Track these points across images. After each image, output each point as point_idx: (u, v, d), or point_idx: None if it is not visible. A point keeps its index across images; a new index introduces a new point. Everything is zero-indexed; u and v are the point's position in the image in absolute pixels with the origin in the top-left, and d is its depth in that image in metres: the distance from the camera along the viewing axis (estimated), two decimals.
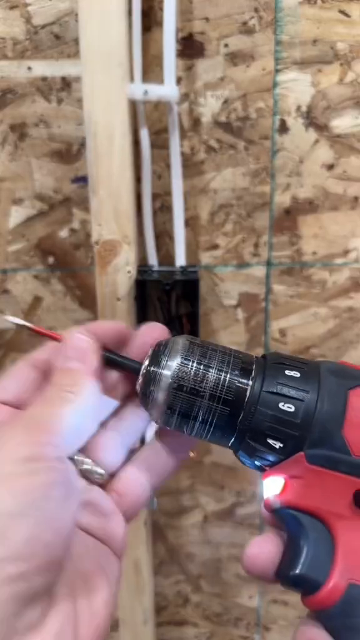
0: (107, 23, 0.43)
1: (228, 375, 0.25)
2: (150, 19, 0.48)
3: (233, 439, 0.26)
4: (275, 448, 0.25)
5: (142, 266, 0.52)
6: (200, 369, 0.25)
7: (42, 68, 0.49)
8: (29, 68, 0.49)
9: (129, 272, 0.49)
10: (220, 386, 0.25)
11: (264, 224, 0.54)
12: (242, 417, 0.25)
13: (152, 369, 0.26)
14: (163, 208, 0.53)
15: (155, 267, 0.52)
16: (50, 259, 0.55)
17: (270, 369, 0.26)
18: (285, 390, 0.25)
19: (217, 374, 0.25)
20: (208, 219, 0.54)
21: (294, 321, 0.58)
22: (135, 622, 0.62)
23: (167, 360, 0.25)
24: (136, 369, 0.26)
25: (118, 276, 0.49)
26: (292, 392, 0.25)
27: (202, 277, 0.55)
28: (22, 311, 0.57)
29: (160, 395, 0.25)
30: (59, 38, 0.48)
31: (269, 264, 0.55)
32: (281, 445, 0.25)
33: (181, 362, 0.25)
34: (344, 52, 0.49)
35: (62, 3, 0.47)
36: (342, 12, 0.48)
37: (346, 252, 0.55)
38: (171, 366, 0.25)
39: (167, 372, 0.25)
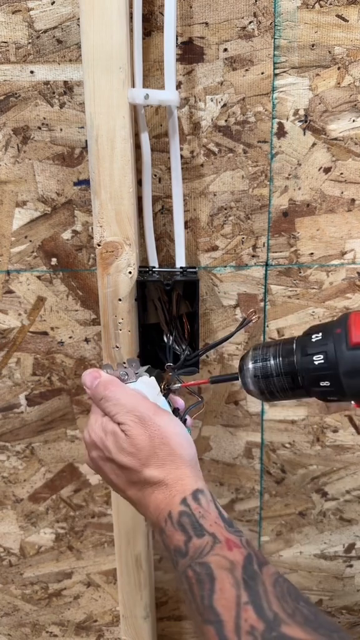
0: (108, 28, 0.44)
1: (279, 359, 0.40)
2: (151, 24, 0.48)
3: (305, 392, 0.40)
4: (328, 388, 0.38)
5: (143, 267, 0.52)
6: (264, 363, 0.41)
7: (44, 72, 0.50)
8: (32, 72, 0.50)
9: (130, 273, 0.50)
10: (278, 367, 0.40)
11: (263, 225, 0.55)
12: (300, 379, 0.40)
13: (241, 372, 0.42)
14: (163, 210, 0.54)
15: (156, 268, 0.53)
16: (53, 260, 0.56)
17: (303, 341, 0.40)
18: (312, 350, 0.38)
19: (274, 360, 0.40)
20: (207, 221, 0.55)
21: (291, 321, 0.58)
22: (136, 617, 0.63)
23: (246, 365, 0.42)
24: (235, 377, 0.43)
25: (119, 277, 0.50)
26: (317, 349, 0.38)
27: (202, 277, 0.56)
28: (25, 311, 0.58)
29: (251, 386, 0.42)
30: (61, 42, 0.49)
31: (267, 265, 0.56)
32: (328, 383, 0.38)
33: (253, 364, 0.42)
34: (341, 56, 0.50)
35: (64, 8, 0.48)
36: (339, 16, 0.49)
37: (343, 254, 0.56)
38: (249, 368, 0.42)
39: (248, 372, 0.42)
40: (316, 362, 0.38)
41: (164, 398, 0.45)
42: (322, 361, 0.38)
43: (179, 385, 0.46)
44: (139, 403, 0.41)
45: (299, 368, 0.39)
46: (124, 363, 0.47)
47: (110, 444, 0.41)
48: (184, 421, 0.45)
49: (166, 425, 0.41)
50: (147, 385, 0.44)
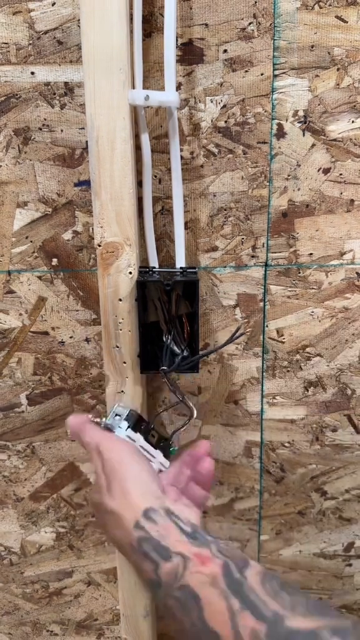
0: (108, 29, 0.44)
1: None
2: (151, 25, 0.49)
3: None
4: None
5: (143, 267, 0.53)
6: None
7: (45, 73, 0.50)
8: (32, 73, 0.50)
9: (130, 273, 0.50)
10: None
11: (262, 226, 0.55)
12: None
13: None
14: (163, 211, 0.54)
15: (156, 269, 0.53)
16: (54, 261, 0.56)
17: None
18: None
19: None
20: (207, 221, 0.55)
21: (291, 321, 0.59)
22: (136, 616, 0.63)
23: None
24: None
25: (120, 277, 0.50)
26: None
27: (202, 278, 0.56)
28: (26, 311, 0.58)
29: None
30: (62, 43, 0.49)
31: (266, 265, 0.57)
32: None
33: None
34: (340, 57, 0.50)
35: (64, 9, 0.48)
36: (339, 17, 0.49)
37: (342, 254, 0.56)
38: None
39: None
40: None
41: (149, 446, 0.46)
42: None
43: (176, 448, 0.48)
44: (100, 439, 0.42)
45: None
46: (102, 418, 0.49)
47: (95, 494, 0.41)
48: (171, 443, 0.47)
49: (117, 451, 0.40)
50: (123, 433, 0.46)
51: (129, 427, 0.46)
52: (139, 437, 0.46)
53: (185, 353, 0.51)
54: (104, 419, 0.47)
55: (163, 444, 0.51)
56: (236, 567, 0.32)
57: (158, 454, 0.46)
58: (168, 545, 0.34)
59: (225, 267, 0.57)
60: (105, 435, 0.42)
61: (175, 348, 0.52)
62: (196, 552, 0.33)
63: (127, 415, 0.48)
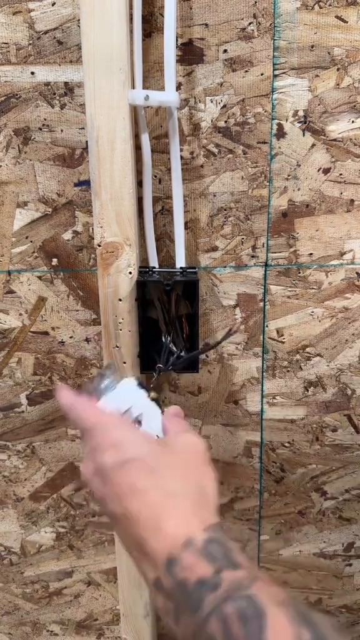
0: (108, 29, 0.44)
1: None
2: (151, 25, 0.49)
3: None
4: None
5: (143, 267, 0.53)
6: None
7: (45, 73, 0.50)
8: (32, 73, 0.50)
9: (130, 273, 0.50)
10: None
11: (262, 226, 0.55)
12: None
13: None
14: (163, 211, 0.54)
15: (156, 269, 0.53)
16: (54, 261, 0.56)
17: None
18: None
19: None
20: (207, 221, 0.55)
21: (291, 321, 0.59)
22: (136, 616, 0.63)
23: None
24: None
25: (120, 277, 0.50)
26: None
27: (202, 278, 0.56)
28: (26, 311, 0.58)
29: None
30: (62, 44, 0.49)
31: (266, 265, 0.57)
32: None
33: None
34: (340, 57, 0.50)
35: (64, 9, 0.48)
36: (339, 17, 0.49)
37: (342, 254, 0.56)
38: None
39: None
40: None
41: (152, 402, 0.43)
42: None
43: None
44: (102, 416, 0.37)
45: None
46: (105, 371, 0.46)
47: (98, 458, 0.35)
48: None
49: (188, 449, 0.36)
50: (127, 389, 0.43)
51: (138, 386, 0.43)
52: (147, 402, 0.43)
53: (183, 353, 0.51)
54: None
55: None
56: (302, 604, 0.28)
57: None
58: (238, 559, 0.29)
59: (225, 267, 0.57)
60: (130, 430, 0.37)
61: (175, 348, 0.52)
62: (264, 577, 0.29)
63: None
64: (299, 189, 0.54)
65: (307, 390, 0.61)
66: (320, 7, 0.49)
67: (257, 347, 0.59)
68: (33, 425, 0.63)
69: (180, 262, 0.53)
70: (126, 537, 0.33)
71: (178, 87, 0.50)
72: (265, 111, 0.51)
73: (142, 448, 0.34)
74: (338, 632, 0.26)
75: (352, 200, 0.55)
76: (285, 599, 0.27)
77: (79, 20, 0.47)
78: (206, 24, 0.49)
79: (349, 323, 0.59)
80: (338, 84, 0.51)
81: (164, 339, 0.52)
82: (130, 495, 0.32)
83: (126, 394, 0.43)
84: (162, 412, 0.43)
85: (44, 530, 0.67)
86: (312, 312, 0.58)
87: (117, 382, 0.44)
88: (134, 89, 0.47)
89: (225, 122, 0.52)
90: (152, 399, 0.44)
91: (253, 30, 0.49)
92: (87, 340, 0.59)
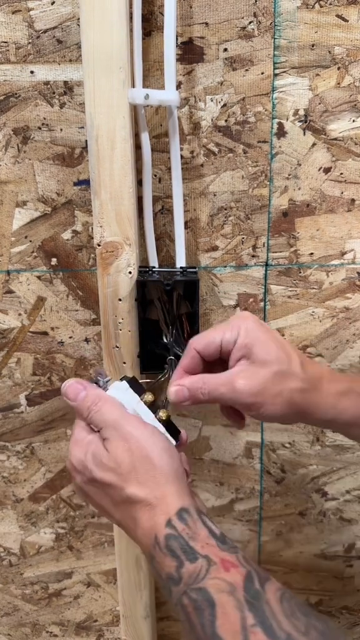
0: (108, 28, 0.44)
1: None
2: (151, 24, 0.48)
3: None
4: None
5: (143, 267, 0.53)
6: None
7: (44, 72, 0.50)
8: (32, 72, 0.50)
9: (130, 273, 0.50)
10: None
11: (262, 226, 0.55)
12: None
13: None
14: (163, 210, 0.54)
15: (156, 268, 0.53)
16: (53, 260, 0.56)
17: None
18: None
19: None
20: (207, 221, 0.55)
21: (291, 321, 0.58)
22: (136, 617, 0.63)
23: None
24: None
25: (119, 277, 0.50)
26: None
27: (202, 277, 0.56)
28: (25, 311, 0.58)
29: None
30: (61, 42, 0.49)
31: (267, 265, 0.56)
32: None
33: None
34: (341, 56, 0.50)
35: (64, 8, 0.48)
36: (339, 16, 0.49)
37: (343, 254, 0.56)
38: None
39: None
40: None
41: (146, 407, 0.43)
42: None
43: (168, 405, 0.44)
44: (122, 416, 0.39)
45: None
46: (93, 374, 0.45)
47: (90, 464, 0.39)
48: (177, 432, 0.43)
49: (147, 439, 0.38)
50: (120, 391, 0.43)
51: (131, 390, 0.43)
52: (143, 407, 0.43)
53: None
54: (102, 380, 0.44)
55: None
56: (258, 579, 0.32)
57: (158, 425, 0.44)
58: (195, 547, 0.34)
59: (225, 266, 0.56)
60: (124, 413, 0.40)
61: (176, 348, 0.51)
62: (223, 556, 0.33)
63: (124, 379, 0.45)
64: (299, 189, 0.54)
65: None
66: (321, 6, 0.48)
67: None
68: (32, 426, 0.62)
69: (181, 261, 0.53)
70: (128, 535, 0.39)
71: (178, 86, 0.50)
72: (265, 110, 0.51)
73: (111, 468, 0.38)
74: (286, 615, 0.29)
75: (353, 200, 0.54)
76: (237, 583, 0.31)
77: (78, 19, 0.47)
78: (206, 23, 0.49)
79: (350, 323, 0.59)
80: (339, 83, 0.51)
81: (164, 339, 0.52)
82: (111, 508, 0.39)
83: (117, 397, 0.42)
84: (157, 413, 0.43)
85: (43, 531, 0.67)
86: (313, 312, 0.58)
87: (108, 384, 0.43)
88: (133, 87, 0.47)
89: (226, 121, 0.51)
90: (147, 402, 0.43)
91: (253, 29, 0.49)
92: (87, 340, 0.59)
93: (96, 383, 0.43)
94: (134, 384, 0.43)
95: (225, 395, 0.40)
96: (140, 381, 0.45)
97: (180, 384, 0.41)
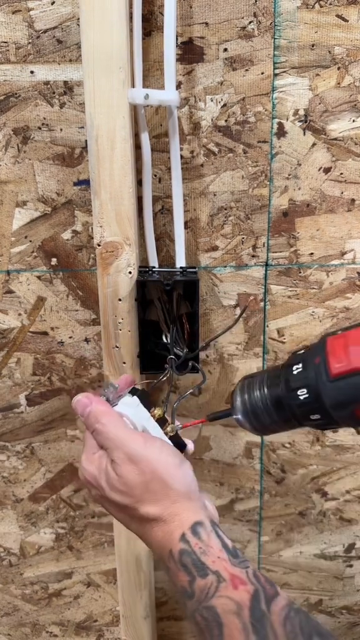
0: (108, 28, 0.44)
1: (267, 395, 0.39)
2: (151, 24, 0.48)
3: (297, 423, 0.38)
4: (320, 420, 0.36)
5: (143, 267, 0.52)
6: (252, 400, 0.39)
7: (44, 72, 0.50)
8: (32, 72, 0.50)
9: (130, 273, 0.50)
10: (266, 403, 0.38)
11: (262, 226, 0.55)
12: (290, 414, 0.37)
13: (233, 409, 0.41)
14: (163, 210, 0.54)
15: (156, 268, 0.53)
16: (53, 260, 0.56)
17: (286, 373, 0.38)
18: (295, 384, 0.37)
19: (262, 397, 0.39)
20: (207, 221, 0.55)
21: (291, 321, 0.58)
22: (136, 617, 0.63)
23: (235, 402, 0.40)
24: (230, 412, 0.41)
25: (119, 277, 0.50)
26: (299, 383, 0.36)
27: (202, 277, 0.56)
28: (25, 311, 0.58)
29: (245, 424, 0.40)
30: (61, 42, 0.49)
31: (267, 265, 0.56)
32: (319, 416, 0.36)
33: (240, 398, 0.40)
34: (341, 56, 0.50)
35: (64, 8, 0.48)
36: (339, 16, 0.49)
37: (343, 254, 0.56)
38: (238, 406, 0.40)
39: (238, 409, 0.40)
40: (301, 397, 0.36)
41: (154, 422, 0.43)
42: (307, 395, 0.36)
43: (180, 425, 0.44)
44: (128, 437, 0.39)
45: (286, 403, 0.37)
46: (104, 389, 0.45)
47: (103, 482, 0.39)
48: (184, 446, 0.43)
49: (157, 458, 0.39)
50: (130, 406, 0.43)
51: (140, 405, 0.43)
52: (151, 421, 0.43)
53: (185, 351, 0.51)
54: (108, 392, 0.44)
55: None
56: (264, 598, 0.33)
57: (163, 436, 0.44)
58: (207, 562, 0.35)
59: (225, 266, 0.56)
60: (128, 431, 0.40)
61: (176, 348, 0.51)
62: (233, 572, 0.34)
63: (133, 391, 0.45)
64: (299, 189, 0.54)
65: None
66: (321, 6, 0.48)
67: (257, 348, 0.59)
68: (32, 426, 0.62)
69: (180, 261, 0.53)
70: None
71: (178, 86, 0.50)
72: (265, 110, 0.51)
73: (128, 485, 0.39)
74: (289, 635, 0.30)
75: (353, 200, 0.54)
76: (243, 604, 0.32)
77: (78, 19, 0.47)
78: (206, 23, 0.49)
79: (350, 323, 0.59)
80: (339, 83, 0.51)
81: (164, 339, 0.52)
82: (129, 522, 0.40)
83: (127, 412, 0.42)
84: (164, 428, 0.43)
85: (43, 531, 0.67)
86: (313, 312, 0.58)
87: (118, 399, 0.43)
88: (133, 87, 0.47)
89: (226, 121, 0.51)
90: (157, 417, 0.43)
91: (253, 29, 0.49)
92: (87, 340, 0.59)
93: (106, 397, 0.43)
94: (144, 399, 0.43)
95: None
96: (140, 382, 0.45)
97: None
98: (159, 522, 0.38)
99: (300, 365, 0.37)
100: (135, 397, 0.43)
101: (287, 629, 0.31)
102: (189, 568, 0.35)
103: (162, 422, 0.43)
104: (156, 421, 0.43)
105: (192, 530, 0.36)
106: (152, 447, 0.39)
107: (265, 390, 0.38)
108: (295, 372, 0.37)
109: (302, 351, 0.38)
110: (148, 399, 0.44)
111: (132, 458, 0.38)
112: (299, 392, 0.36)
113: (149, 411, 0.43)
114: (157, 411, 0.43)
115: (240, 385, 0.40)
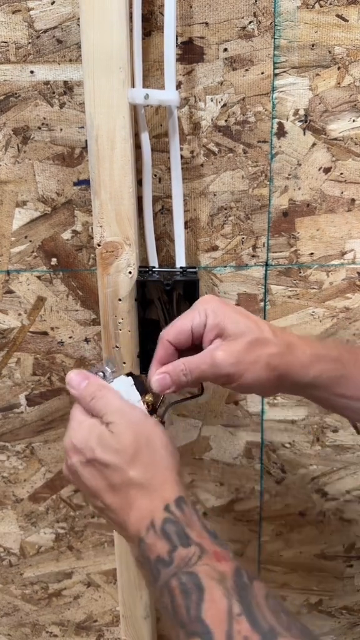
0: (108, 28, 0.44)
1: None
2: (151, 24, 0.48)
3: None
4: None
5: (143, 267, 0.52)
6: None
7: (44, 72, 0.50)
8: (32, 72, 0.50)
9: (130, 273, 0.50)
10: None
11: (263, 225, 0.55)
12: None
13: None
14: (163, 210, 0.54)
15: (156, 268, 0.53)
16: (53, 260, 0.56)
17: None
18: None
19: None
20: (207, 221, 0.55)
21: (291, 321, 0.58)
22: (136, 617, 0.63)
23: None
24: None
25: (119, 277, 0.50)
26: None
27: (202, 277, 0.56)
28: (25, 311, 0.58)
29: None
30: (61, 42, 0.49)
31: (267, 265, 0.56)
32: None
33: None
34: (341, 56, 0.50)
35: (64, 8, 0.48)
36: (339, 16, 0.49)
37: (343, 254, 0.56)
38: None
39: None
40: None
41: (144, 406, 0.43)
42: None
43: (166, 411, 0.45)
44: (128, 405, 0.41)
45: None
46: (103, 363, 0.46)
47: (94, 443, 0.39)
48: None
49: (152, 429, 0.40)
50: (124, 385, 0.43)
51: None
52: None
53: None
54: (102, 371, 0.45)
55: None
56: (246, 575, 0.32)
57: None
58: (190, 534, 0.35)
59: (225, 266, 0.56)
60: (128, 402, 0.41)
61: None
62: (215, 549, 0.34)
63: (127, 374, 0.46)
64: (299, 188, 0.54)
65: None
66: (321, 6, 0.48)
67: None
68: (32, 426, 0.62)
69: (180, 261, 0.53)
70: (112, 522, 0.40)
71: (178, 86, 0.50)
72: (265, 110, 0.51)
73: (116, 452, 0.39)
74: (271, 610, 0.30)
75: (353, 200, 0.54)
76: (227, 574, 0.32)
77: (78, 18, 0.47)
78: (206, 23, 0.49)
79: (350, 323, 0.59)
80: (339, 83, 0.51)
81: None
82: (106, 491, 0.38)
83: (121, 389, 0.43)
84: (154, 413, 0.43)
85: (43, 531, 0.67)
86: (313, 312, 0.58)
87: (114, 376, 0.44)
88: (133, 87, 0.47)
89: (226, 121, 0.51)
90: (147, 402, 0.43)
91: (253, 29, 0.49)
92: (87, 340, 0.59)
93: (102, 374, 0.44)
94: (138, 381, 0.44)
95: (207, 372, 0.41)
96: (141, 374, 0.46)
97: (161, 371, 0.42)
98: (143, 489, 0.37)
99: None
100: (129, 377, 0.44)
101: (269, 603, 0.31)
102: (172, 537, 0.34)
103: (152, 410, 0.44)
104: (146, 407, 0.43)
105: (176, 503, 0.36)
106: (149, 419, 0.41)
107: None
108: None
109: None
110: (142, 385, 0.44)
111: (129, 422, 0.39)
112: None
113: (142, 395, 0.44)
114: (149, 397, 0.44)
115: None
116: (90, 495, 0.40)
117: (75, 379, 0.42)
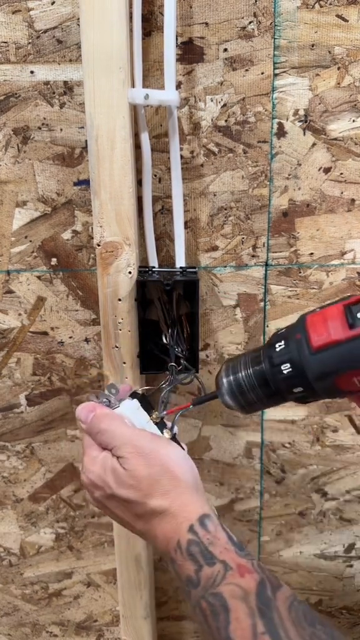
0: (108, 28, 0.44)
1: (251, 372, 0.40)
2: (151, 24, 0.48)
3: (281, 398, 0.40)
4: (302, 393, 0.39)
5: (143, 267, 0.52)
6: (236, 378, 0.41)
7: (44, 72, 0.50)
8: (32, 72, 0.50)
9: (130, 273, 0.50)
10: (251, 380, 0.40)
11: (262, 226, 0.55)
12: (274, 388, 0.40)
13: (219, 390, 0.42)
14: (163, 210, 0.54)
15: (156, 268, 0.53)
16: (53, 260, 0.56)
17: (268, 351, 0.40)
18: (278, 360, 0.39)
19: (246, 374, 0.40)
20: (207, 221, 0.55)
21: (291, 321, 0.58)
22: (136, 617, 0.63)
23: (221, 382, 0.42)
24: (215, 395, 0.43)
25: (119, 277, 0.50)
26: (282, 358, 0.38)
27: (202, 277, 0.56)
28: (25, 311, 0.58)
29: (230, 402, 0.42)
30: (61, 42, 0.49)
31: (267, 265, 0.56)
32: (301, 389, 0.38)
33: (226, 380, 0.41)
34: (341, 56, 0.50)
35: (64, 8, 0.48)
36: (339, 16, 0.49)
37: (343, 254, 0.56)
38: (224, 385, 0.41)
39: (224, 389, 0.41)
40: (285, 372, 0.38)
41: (155, 426, 0.44)
42: (290, 370, 0.38)
43: (165, 412, 0.45)
44: (135, 433, 0.41)
45: (271, 379, 0.39)
46: (105, 391, 0.46)
47: (110, 480, 0.40)
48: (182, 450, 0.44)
49: (165, 452, 0.40)
50: (131, 408, 0.44)
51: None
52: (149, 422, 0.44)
53: (185, 353, 0.51)
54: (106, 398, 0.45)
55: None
56: (270, 586, 0.33)
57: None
58: (214, 552, 0.36)
59: (225, 266, 0.56)
60: (134, 429, 0.42)
61: (176, 348, 0.51)
62: (239, 562, 0.35)
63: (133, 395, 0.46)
64: (299, 189, 0.54)
65: None
66: (321, 6, 0.48)
67: None
68: (32, 426, 0.62)
69: (180, 261, 0.53)
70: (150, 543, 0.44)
71: (178, 86, 0.50)
72: (265, 110, 0.51)
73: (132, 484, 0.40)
74: (294, 623, 0.31)
75: (352, 200, 0.54)
76: (250, 590, 0.33)
77: (78, 19, 0.47)
78: (206, 23, 0.49)
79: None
80: (339, 83, 0.51)
81: (164, 339, 0.52)
82: (133, 520, 0.40)
83: (128, 414, 0.43)
84: (153, 415, 0.44)
85: (43, 531, 0.67)
86: None
87: (118, 402, 0.44)
88: (133, 87, 0.47)
89: (226, 121, 0.51)
90: (156, 421, 0.44)
91: (253, 29, 0.49)
92: (87, 340, 0.59)
93: (107, 401, 0.44)
94: (144, 402, 0.44)
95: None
96: (141, 389, 0.46)
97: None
98: (167, 514, 0.38)
99: (283, 342, 0.39)
100: (135, 400, 0.44)
101: (292, 615, 0.32)
102: (197, 557, 0.36)
103: (161, 425, 0.44)
104: (155, 424, 0.44)
105: (199, 521, 0.37)
106: (159, 441, 0.41)
107: (250, 369, 0.40)
108: (277, 349, 0.39)
109: (283, 330, 0.40)
110: (148, 403, 0.45)
111: (140, 451, 0.39)
112: (282, 367, 0.38)
113: (149, 415, 0.44)
114: (155, 415, 0.44)
115: (224, 368, 0.42)
116: (122, 524, 0.42)
117: (83, 412, 0.43)
